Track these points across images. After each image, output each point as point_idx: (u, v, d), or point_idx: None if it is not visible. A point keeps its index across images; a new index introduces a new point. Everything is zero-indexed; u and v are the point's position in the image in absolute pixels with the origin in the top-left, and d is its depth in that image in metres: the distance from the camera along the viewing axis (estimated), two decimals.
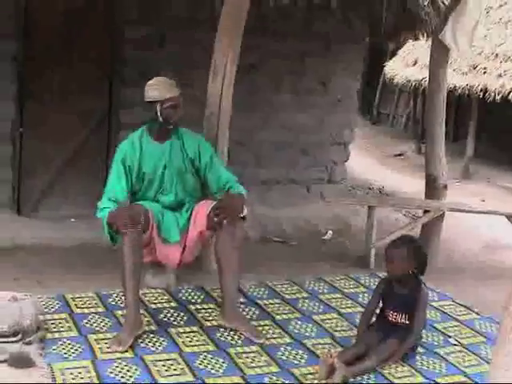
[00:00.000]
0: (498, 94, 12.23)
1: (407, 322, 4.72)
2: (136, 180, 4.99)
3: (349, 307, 5.72)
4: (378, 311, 4.91)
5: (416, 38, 9.31)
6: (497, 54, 13.08)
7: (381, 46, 17.71)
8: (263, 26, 7.87)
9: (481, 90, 12.67)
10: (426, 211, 7.22)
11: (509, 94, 11.97)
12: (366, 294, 5.94)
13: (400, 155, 15.69)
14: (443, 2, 8.41)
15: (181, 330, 4.91)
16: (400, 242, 4.87)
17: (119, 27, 7.52)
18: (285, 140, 8.71)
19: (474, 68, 13.17)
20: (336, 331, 5.16)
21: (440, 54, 7.33)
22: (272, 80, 8.56)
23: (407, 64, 15.39)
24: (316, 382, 4.24)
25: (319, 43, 8.73)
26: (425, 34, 8.47)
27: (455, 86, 13.04)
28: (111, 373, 4.11)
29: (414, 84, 14.81)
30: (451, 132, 17.29)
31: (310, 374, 4.34)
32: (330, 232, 7.94)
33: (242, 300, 5.52)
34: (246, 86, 7.58)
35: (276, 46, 8.34)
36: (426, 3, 8.38)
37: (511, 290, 2.81)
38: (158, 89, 4.92)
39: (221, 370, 4.30)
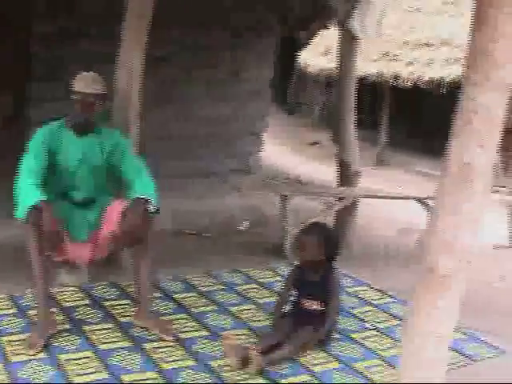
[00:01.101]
0: (409, 81, 12.44)
1: (322, 309, 4.75)
2: (48, 171, 4.81)
3: (266, 297, 5.71)
4: (293, 299, 4.92)
5: (326, 27, 9.38)
6: (407, 42, 13.31)
7: (293, 35, 17.79)
8: (173, 18, 7.80)
9: (391, 77, 12.87)
10: (339, 198, 7.28)
11: (419, 80, 12.17)
12: (282, 283, 5.95)
13: (315, 144, 15.81)
14: None
15: (95, 327, 4.81)
16: (310, 229, 4.90)
17: (26, 21, 7.33)
18: (200, 132, 8.70)
19: (385, 55, 13.37)
20: (253, 321, 5.15)
21: (348, 43, 7.38)
22: (185, 72, 8.52)
23: (320, 53, 15.52)
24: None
25: (231, 34, 8.72)
26: (334, 23, 8.52)
27: (367, 74, 13.21)
28: (24, 374, 4.02)
29: (327, 73, 14.93)
30: (368, 119, 17.55)
31: (227, 365, 4.33)
32: (247, 223, 7.94)
33: (158, 295, 5.47)
34: (158, 79, 7.53)
35: (187, 38, 8.29)
36: None
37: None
38: (79, 83, 4.81)
39: (137, 366, 4.25)
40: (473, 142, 2.70)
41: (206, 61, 8.67)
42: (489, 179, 2.79)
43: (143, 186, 4.73)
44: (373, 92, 16.17)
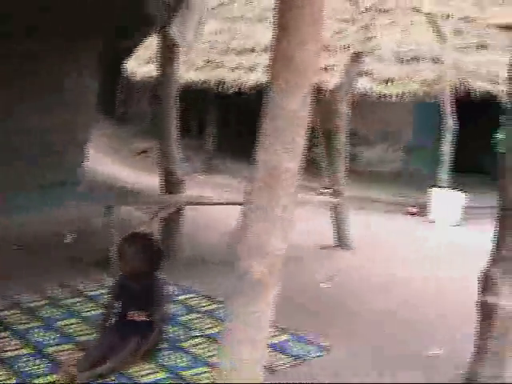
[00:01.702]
0: (233, 87, 12.57)
1: (148, 319, 4.71)
2: None
3: (92, 310, 5.62)
4: (118, 311, 4.85)
5: (149, 35, 9.33)
6: (230, 49, 13.45)
7: (118, 44, 17.61)
8: None
9: (216, 84, 12.97)
10: (164, 207, 7.25)
11: (243, 86, 12.32)
12: (107, 295, 5.87)
13: (144, 153, 15.70)
14: None
15: None
16: (130, 239, 4.86)
17: None
18: (23, 144, 8.43)
19: (209, 63, 13.45)
20: (78, 336, 5.05)
21: (168, 50, 7.38)
22: (4, 81, 8.23)
23: (145, 61, 15.41)
24: None
25: (53, 43, 8.51)
26: (155, 30, 8.48)
27: (192, 81, 13.26)
28: None
29: (153, 81, 14.84)
30: (196, 127, 17.60)
31: (52, 383, 4.21)
32: (72, 235, 7.77)
33: None
34: None
35: (5, 47, 8.02)
36: None
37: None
38: None
39: None
40: (279, 146, 2.74)
41: (28, 70, 8.41)
42: (296, 182, 2.84)
43: None
44: (199, 99, 16.24)
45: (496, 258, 4.39)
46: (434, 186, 11.49)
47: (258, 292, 2.83)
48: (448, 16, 12.79)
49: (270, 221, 2.78)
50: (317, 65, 2.84)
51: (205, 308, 5.86)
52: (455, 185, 11.46)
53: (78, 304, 5.76)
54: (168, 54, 7.41)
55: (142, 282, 4.75)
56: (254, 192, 2.82)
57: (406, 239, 9.62)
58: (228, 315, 2.96)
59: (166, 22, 7.29)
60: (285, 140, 2.74)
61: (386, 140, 15.20)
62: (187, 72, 13.51)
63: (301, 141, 2.80)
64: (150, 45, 14.77)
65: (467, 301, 4.90)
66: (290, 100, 2.73)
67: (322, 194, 9.16)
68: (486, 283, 4.41)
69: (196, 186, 11.57)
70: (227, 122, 15.21)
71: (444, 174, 11.63)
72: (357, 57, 8.42)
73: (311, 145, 12.68)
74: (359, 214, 10.38)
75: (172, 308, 5.50)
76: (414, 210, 11.62)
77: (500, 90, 10.97)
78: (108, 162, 13.86)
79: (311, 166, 12.64)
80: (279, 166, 2.74)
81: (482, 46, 12.75)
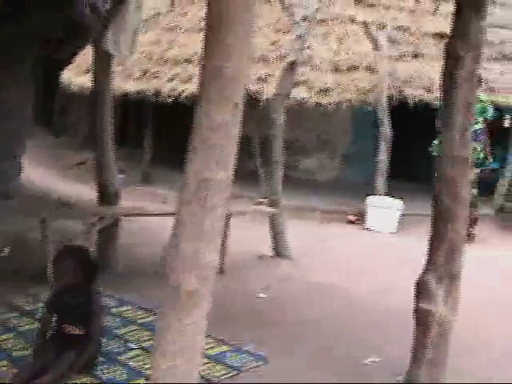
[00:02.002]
0: (170, 97, 12.57)
1: (83, 333, 4.66)
2: None
3: (27, 324, 5.53)
4: (54, 325, 4.79)
5: (84, 46, 9.26)
6: (167, 59, 13.45)
7: (53, 55, 17.42)
8: None
9: (153, 94, 12.94)
10: (100, 218, 7.18)
11: (179, 96, 12.31)
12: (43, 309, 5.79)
13: (81, 164, 15.56)
14: (104, 9, 8.44)
15: None
16: (64, 252, 4.80)
17: None
18: None
19: (146, 73, 13.43)
20: (14, 351, 4.96)
21: (103, 61, 7.33)
22: None
23: (81, 72, 15.29)
24: None
25: None
26: (89, 42, 8.43)
27: (129, 92, 13.23)
28: None
29: (89, 92, 14.74)
30: (133, 138, 17.52)
31: None
32: (6, 249, 7.64)
33: None
34: None
35: None
36: (87, 11, 8.36)
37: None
38: None
39: None
40: (210, 158, 2.74)
41: None
42: (228, 194, 2.84)
43: None
44: (137, 110, 16.18)
45: (430, 265, 4.46)
46: (370, 193, 11.61)
47: (191, 304, 2.83)
48: (383, 26, 12.98)
49: (201, 232, 2.78)
50: (246, 76, 2.85)
51: (142, 320, 5.81)
52: (392, 192, 11.61)
53: (13, 319, 5.65)
54: (102, 64, 7.36)
55: (78, 295, 4.69)
56: (184, 203, 2.81)
57: (344, 247, 9.69)
58: (162, 327, 2.94)
59: (100, 33, 7.25)
60: (214, 151, 2.74)
61: (324, 149, 15.33)
62: (125, 82, 13.48)
63: (231, 152, 2.80)
64: (86, 55, 14.70)
65: (404, 308, 4.96)
66: (219, 111, 2.73)
67: (259, 203, 9.19)
68: (421, 290, 4.47)
69: (133, 197, 11.54)
70: (164, 133, 15.16)
71: (380, 182, 11.77)
72: (292, 66, 8.46)
73: (249, 155, 12.77)
74: (297, 223, 10.44)
75: (109, 320, 5.45)
76: (353, 218, 11.74)
77: (434, 97, 11.16)
78: (44, 174, 13.68)
79: (250, 176, 12.76)
80: (209, 178, 2.74)
81: (416, 55, 12.97)
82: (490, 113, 10.36)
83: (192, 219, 2.78)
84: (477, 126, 9.77)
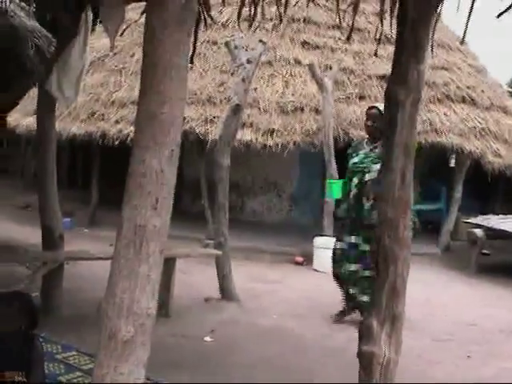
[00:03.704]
0: (116, 140, 12.54)
1: (24, 380, 4.56)
2: None
3: None
4: None
5: (27, 88, 9.22)
6: (113, 101, 13.43)
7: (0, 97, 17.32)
8: None
9: (100, 136, 12.90)
10: (43, 263, 7.09)
11: (126, 139, 12.28)
12: None
13: (27, 207, 15.39)
14: (49, 52, 8.43)
15: None
16: (6, 297, 4.72)
17: None
18: None
19: (93, 115, 13.38)
20: None
21: (46, 104, 7.30)
22: None
23: (28, 113, 15.19)
24: None
25: None
26: (34, 84, 8.41)
27: (75, 134, 13.18)
28: None
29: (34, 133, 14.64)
30: (80, 179, 17.43)
31: None
32: None
33: None
34: None
35: None
36: (32, 53, 8.34)
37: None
38: None
39: None
40: (145, 204, 2.73)
41: None
42: (164, 240, 2.82)
43: None
44: (84, 152, 16.12)
45: (374, 307, 4.47)
46: (318, 234, 11.65)
47: (127, 353, 2.79)
48: (328, 67, 13.15)
49: (137, 279, 2.76)
50: (181, 122, 2.85)
51: (86, 366, 5.71)
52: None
53: None
54: (47, 107, 7.33)
55: (19, 341, 4.60)
56: (119, 250, 2.79)
57: (292, 288, 9.69)
58: (98, 376, 2.89)
59: (44, 76, 7.22)
60: (148, 198, 2.73)
61: (271, 190, 15.40)
62: (72, 124, 13.41)
63: (167, 198, 2.79)
64: (33, 97, 14.62)
65: (349, 350, 4.97)
66: (154, 157, 2.73)
67: (206, 245, 9.17)
68: (365, 332, 4.47)
69: (80, 240, 11.42)
70: (111, 174, 15.09)
71: (328, 222, 11.83)
72: (237, 109, 8.51)
73: (197, 196, 12.70)
74: (245, 265, 10.43)
75: (51, 366, 5.36)
76: (301, 259, 11.76)
77: None
78: None
79: (197, 218, 12.73)
80: (144, 224, 2.73)
81: (361, 97, 13.14)
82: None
83: (127, 267, 2.75)
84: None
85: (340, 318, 7.87)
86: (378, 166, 6.74)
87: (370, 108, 7.80)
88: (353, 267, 7.67)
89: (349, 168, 7.86)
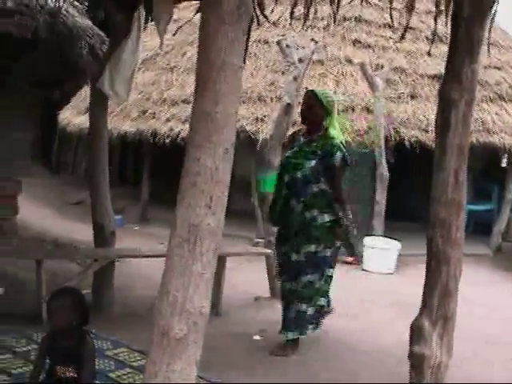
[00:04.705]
0: (168, 138, 12.60)
1: (76, 376, 4.61)
2: None
3: (20, 367, 5.47)
4: (47, 367, 4.74)
5: (79, 87, 9.32)
6: (165, 99, 13.52)
7: (51, 96, 17.54)
8: None
9: (151, 135, 12.99)
10: (95, 260, 7.15)
11: (177, 137, 12.35)
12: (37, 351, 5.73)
13: (79, 203, 15.55)
14: (101, 50, 8.50)
15: None
16: (59, 294, 4.77)
17: None
18: None
19: (144, 113, 13.48)
20: None
21: (99, 102, 7.37)
22: None
23: (80, 112, 15.38)
24: None
25: None
26: (86, 82, 8.49)
27: (126, 132, 13.28)
28: None
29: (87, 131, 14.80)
30: (131, 177, 17.56)
31: None
32: (1, 290, 7.60)
33: None
34: None
35: None
36: (84, 52, 8.42)
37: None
38: None
39: None
40: (200, 203, 2.74)
41: None
42: (218, 239, 2.82)
43: None
44: (135, 150, 16.25)
45: (425, 308, 4.44)
46: (368, 234, 11.59)
47: (179, 351, 2.80)
48: (380, 66, 13.07)
49: (191, 277, 2.76)
50: (235, 121, 2.86)
51: (136, 363, 5.75)
52: (389, 233, 11.60)
53: (5, 361, 5.60)
54: (99, 105, 7.39)
55: (72, 337, 4.66)
56: (173, 249, 2.80)
57: (341, 289, 9.62)
58: (150, 374, 2.91)
59: (97, 74, 7.29)
60: (203, 196, 2.74)
61: None
62: (123, 122, 13.54)
63: (221, 197, 2.80)
64: (85, 95, 14.79)
65: (400, 350, 4.93)
66: (208, 156, 2.73)
67: (257, 244, 9.16)
68: (416, 333, 4.44)
69: (131, 238, 11.51)
70: (162, 172, 15.19)
71: (378, 222, 11.76)
72: (288, 108, 8.50)
73: (247, 195, 12.72)
74: None
75: (101, 363, 5.40)
76: (350, 258, 11.69)
77: (430, 138, 11.20)
78: (41, 213, 13.66)
79: (247, 216, 12.74)
80: (198, 223, 2.73)
81: (413, 96, 13.03)
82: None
83: (181, 265, 2.76)
84: None
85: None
86: (312, 163, 6.18)
87: (307, 92, 6.79)
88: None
89: (281, 162, 6.98)
